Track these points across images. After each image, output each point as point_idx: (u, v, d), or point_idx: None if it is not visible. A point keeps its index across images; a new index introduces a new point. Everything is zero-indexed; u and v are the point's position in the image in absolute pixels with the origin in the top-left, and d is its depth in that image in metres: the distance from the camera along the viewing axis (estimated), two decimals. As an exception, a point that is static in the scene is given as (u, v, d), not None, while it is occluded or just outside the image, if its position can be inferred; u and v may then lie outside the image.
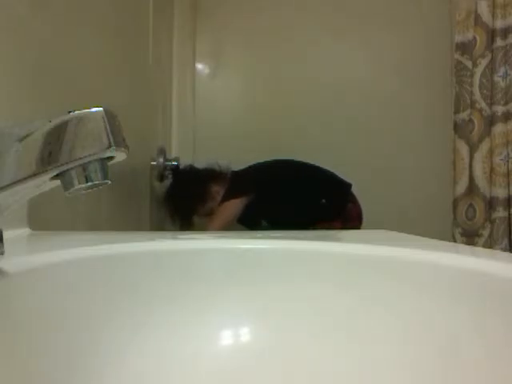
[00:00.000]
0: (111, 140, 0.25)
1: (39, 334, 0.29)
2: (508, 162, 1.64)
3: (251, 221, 1.60)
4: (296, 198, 1.55)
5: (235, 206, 1.51)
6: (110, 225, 1.03)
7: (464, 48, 1.69)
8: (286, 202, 1.54)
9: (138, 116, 1.32)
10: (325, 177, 1.62)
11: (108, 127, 0.25)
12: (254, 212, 1.54)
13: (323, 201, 1.56)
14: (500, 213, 1.64)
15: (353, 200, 1.61)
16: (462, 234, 1.70)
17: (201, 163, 1.71)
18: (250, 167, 1.63)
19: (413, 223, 1.53)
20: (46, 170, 0.24)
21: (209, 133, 1.97)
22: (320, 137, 1.96)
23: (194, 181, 1.60)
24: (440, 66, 1.94)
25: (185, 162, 1.70)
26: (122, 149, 0.25)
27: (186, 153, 1.87)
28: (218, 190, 1.57)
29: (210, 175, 1.61)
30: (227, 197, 1.52)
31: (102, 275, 0.38)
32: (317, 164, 1.62)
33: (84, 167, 0.25)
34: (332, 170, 1.63)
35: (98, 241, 0.44)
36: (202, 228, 1.60)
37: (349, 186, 1.62)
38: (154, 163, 1.54)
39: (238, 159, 1.64)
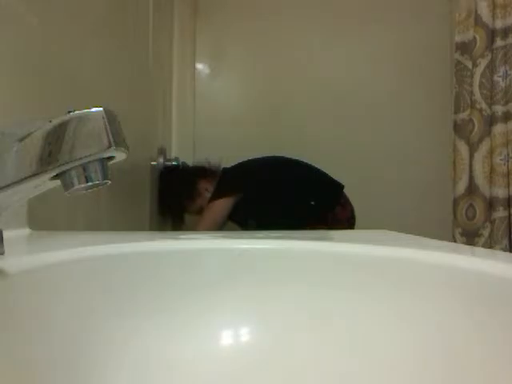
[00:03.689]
0: (111, 140, 0.25)
1: (39, 333, 0.29)
2: (508, 161, 1.64)
3: (239, 219, 1.59)
4: (284, 198, 1.52)
5: (221, 206, 1.49)
6: (110, 225, 1.03)
7: (464, 48, 1.69)
8: (273, 202, 1.52)
9: (138, 116, 1.32)
10: (315, 177, 1.58)
11: (108, 127, 0.25)
12: (241, 211, 1.53)
13: (312, 202, 1.52)
14: (500, 213, 1.64)
15: (343, 202, 1.56)
16: (462, 234, 1.70)
17: (189, 161, 1.72)
18: (240, 164, 1.61)
19: (413, 223, 1.53)
20: (46, 170, 0.24)
21: (209, 133, 1.97)
22: (319, 136, 1.96)
23: (182, 178, 1.60)
24: (440, 66, 1.94)
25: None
26: (122, 149, 0.25)
27: (186, 153, 1.87)
28: (206, 187, 1.57)
29: (197, 172, 1.61)
30: (214, 196, 1.51)
31: (102, 275, 0.38)
32: (315, 164, 1.60)
33: (84, 167, 0.25)
34: (331, 169, 1.61)
35: (98, 241, 0.44)
36: (194, 226, 1.58)
37: (340, 187, 1.57)
38: (154, 163, 1.54)
39: (237, 159, 1.64)
